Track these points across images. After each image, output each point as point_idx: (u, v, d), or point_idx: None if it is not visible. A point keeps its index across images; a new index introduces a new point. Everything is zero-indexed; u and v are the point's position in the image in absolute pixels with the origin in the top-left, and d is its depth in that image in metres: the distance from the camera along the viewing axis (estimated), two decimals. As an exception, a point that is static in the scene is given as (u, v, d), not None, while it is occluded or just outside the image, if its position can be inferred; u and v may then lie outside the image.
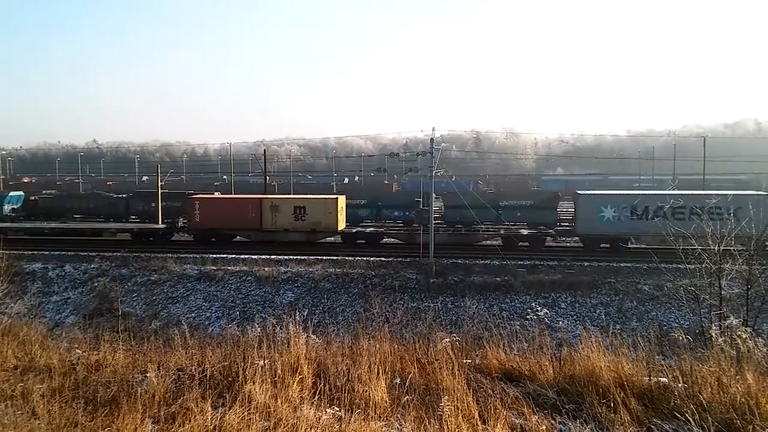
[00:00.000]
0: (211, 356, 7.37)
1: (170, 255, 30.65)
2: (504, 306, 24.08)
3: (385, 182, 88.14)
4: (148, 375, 6.92)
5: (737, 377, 5.94)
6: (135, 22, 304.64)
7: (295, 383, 6.47)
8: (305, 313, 8.89)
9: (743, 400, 5.53)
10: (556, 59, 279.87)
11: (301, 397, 6.31)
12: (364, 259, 30.27)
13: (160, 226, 41.21)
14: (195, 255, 31.05)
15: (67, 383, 6.91)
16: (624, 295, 24.43)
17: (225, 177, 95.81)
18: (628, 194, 36.45)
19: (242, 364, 6.73)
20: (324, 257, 30.78)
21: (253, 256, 30.80)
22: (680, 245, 11.95)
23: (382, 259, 30.29)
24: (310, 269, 27.96)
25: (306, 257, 30.74)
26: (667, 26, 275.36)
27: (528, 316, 19.24)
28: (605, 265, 28.02)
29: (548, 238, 35.60)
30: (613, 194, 34.35)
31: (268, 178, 55.13)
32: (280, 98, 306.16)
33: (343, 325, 18.14)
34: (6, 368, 7.82)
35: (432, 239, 30.27)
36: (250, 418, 5.65)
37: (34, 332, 10.57)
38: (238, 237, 38.17)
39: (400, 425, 5.76)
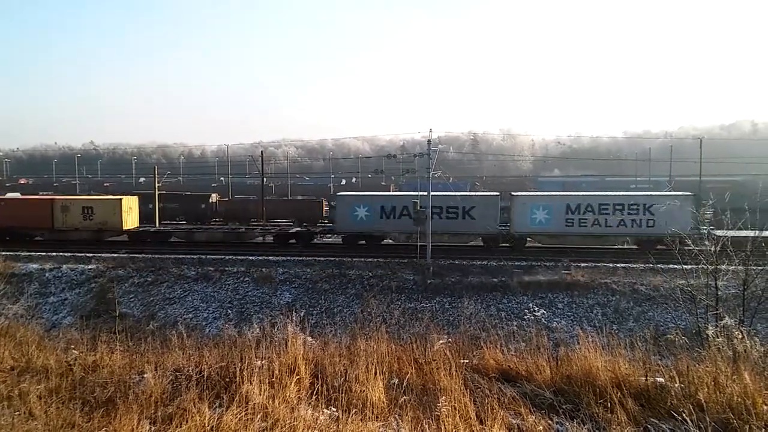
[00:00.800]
0: (208, 357, 7.36)
1: (168, 256, 30.85)
2: (501, 306, 24.11)
3: (383, 184, 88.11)
4: (145, 376, 6.90)
5: (734, 377, 5.95)
6: (135, 22, 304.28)
7: (293, 384, 6.46)
8: (302, 314, 8.90)
9: (740, 399, 5.55)
10: (553, 61, 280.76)
11: (299, 397, 6.30)
12: (362, 260, 30.37)
13: None
14: (192, 256, 31.34)
15: (64, 384, 6.89)
16: (620, 295, 24.47)
17: (222, 179, 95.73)
18: (378, 195, 40.43)
19: (239, 364, 6.71)
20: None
21: (250, 257, 31.18)
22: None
23: (380, 260, 30.35)
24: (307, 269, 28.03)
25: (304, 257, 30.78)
26: (664, 28, 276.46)
27: (525, 317, 19.29)
28: (602, 266, 28.09)
29: (315, 235, 38.83)
30: (365, 195, 38.41)
31: (265, 179, 55.13)
32: (280, 98, 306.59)
33: (341, 325, 18.12)
34: (2, 369, 7.79)
35: (429, 240, 30.29)
36: (247, 419, 5.64)
37: (30, 333, 10.53)
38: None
39: (398, 425, 5.76)
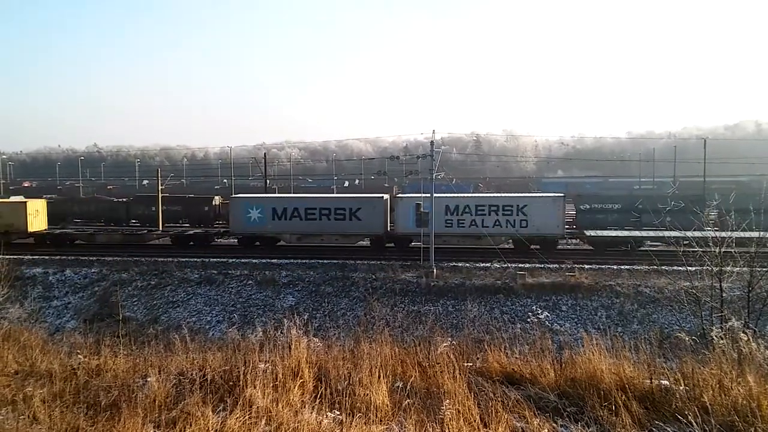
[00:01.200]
0: (212, 360, 7.37)
1: (171, 259, 30.96)
2: (505, 309, 24.04)
3: (386, 185, 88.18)
4: (149, 379, 6.91)
5: (738, 380, 5.94)
6: (135, 22, 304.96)
7: (296, 387, 6.46)
8: (305, 317, 8.90)
9: (745, 402, 5.53)
10: (555, 61, 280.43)
11: (302, 401, 6.31)
12: (365, 262, 30.38)
13: None
14: (195, 259, 31.45)
15: (68, 388, 6.91)
16: (625, 297, 24.37)
17: (225, 180, 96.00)
18: (269, 197, 40.72)
19: (243, 368, 6.72)
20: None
21: (253, 260, 31.24)
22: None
23: (383, 262, 30.31)
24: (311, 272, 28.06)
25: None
26: (667, 28, 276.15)
27: (529, 319, 19.24)
28: (606, 268, 28.02)
29: (217, 237, 39.07)
30: (257, 197, 38.59)
31: (268, 181, 55.23)
32: (280, 99, 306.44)
33: (345, 328, 18.11)
34: (7, 373, 7.82)
35: (432, 242, 30.26)
36: (251, 423, 5.65)
37: (34, 337, 10.59)
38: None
39: (402, 429, 5.75)
